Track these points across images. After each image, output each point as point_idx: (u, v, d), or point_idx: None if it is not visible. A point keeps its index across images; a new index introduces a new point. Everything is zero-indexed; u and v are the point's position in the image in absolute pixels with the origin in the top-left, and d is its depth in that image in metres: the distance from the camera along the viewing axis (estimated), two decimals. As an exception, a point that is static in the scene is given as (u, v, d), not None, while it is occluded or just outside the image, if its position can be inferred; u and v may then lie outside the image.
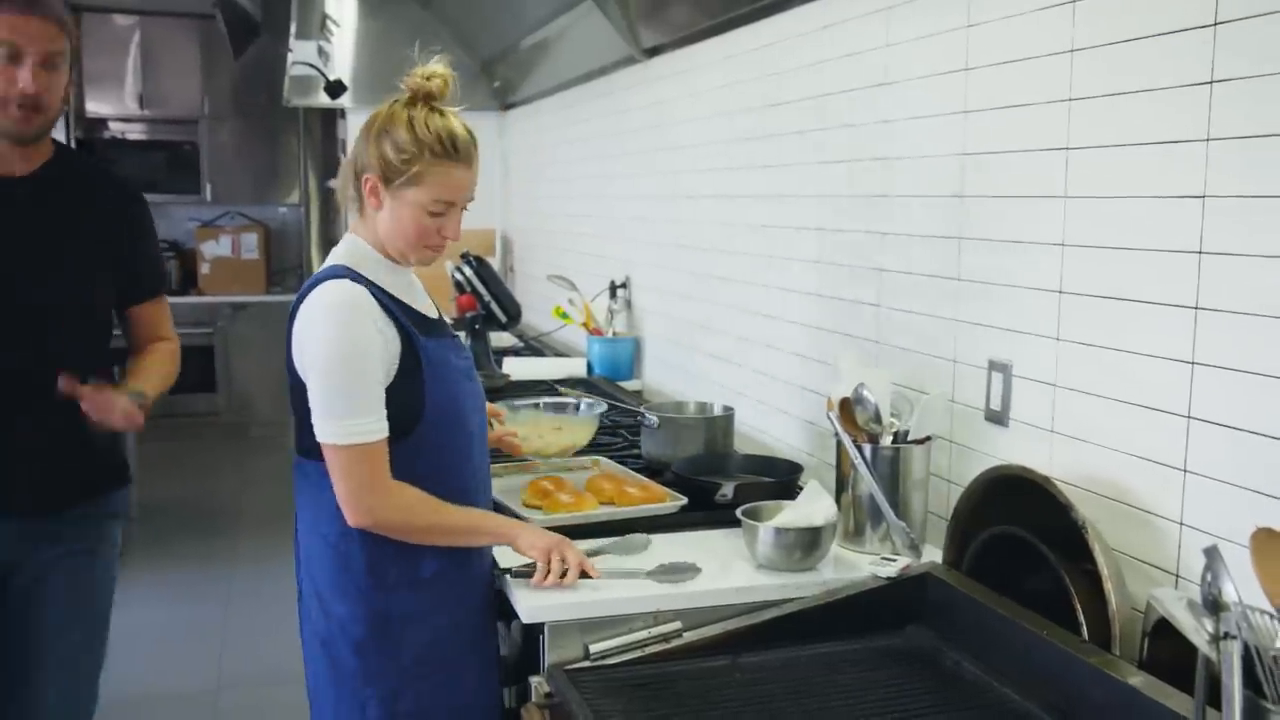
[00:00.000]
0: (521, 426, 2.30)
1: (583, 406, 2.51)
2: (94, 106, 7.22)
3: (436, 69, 1.76)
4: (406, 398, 1.72)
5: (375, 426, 1.68)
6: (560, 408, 2.50)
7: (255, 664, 3.77)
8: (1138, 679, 1.36)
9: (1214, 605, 0.97)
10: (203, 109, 7.43)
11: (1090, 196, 1.63)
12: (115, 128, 7.44)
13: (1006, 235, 1.82)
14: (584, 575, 1.75)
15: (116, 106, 7.29)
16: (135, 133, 7.48)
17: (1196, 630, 0.94)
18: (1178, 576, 1.48)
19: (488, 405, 2.05)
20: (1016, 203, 1.79)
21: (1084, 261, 1.65)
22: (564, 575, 1.73)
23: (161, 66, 7.29)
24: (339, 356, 1.67)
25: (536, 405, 2.48)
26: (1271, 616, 0.96)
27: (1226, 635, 0.93)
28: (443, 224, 1.76)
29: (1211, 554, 0.99)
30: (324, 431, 1.68)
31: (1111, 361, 1.60)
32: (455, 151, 1.74)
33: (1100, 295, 1.62)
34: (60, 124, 6.78)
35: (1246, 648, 0.94)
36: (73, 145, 6.85)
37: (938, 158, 1.99)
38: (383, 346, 1.69)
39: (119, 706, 2.70)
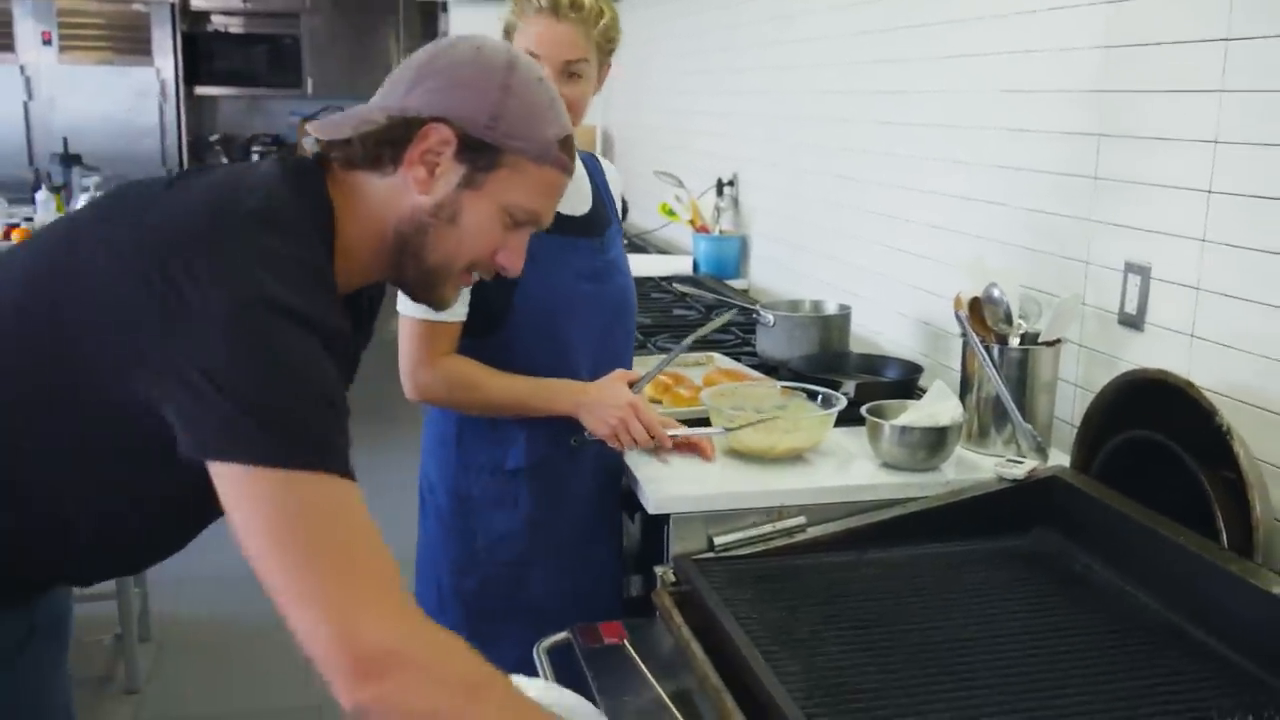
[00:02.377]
0: (749, 430, 1.86)
1: (821, 399, 1.96)
2: (199, 1, 7.28)
3: None
4: (491, 293, 1.72)
5: None
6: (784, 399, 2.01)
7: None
8: (1280, 587, 1.34)
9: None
10: (304, 2, 7.44)
11: (1249, 90, 1.56)
12: (218, 21, 7.51)
13: (1151, 132, 1.75)
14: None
15: (221, 0, 7.34)
16: (237, 26, 7.54)
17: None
18: (1325, 487, 1.44)
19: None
20: (1164, 97, 1.72)
21: (1237, 159, 1.58)
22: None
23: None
24: None
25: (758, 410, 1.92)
26: None
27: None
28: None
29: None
30: (401, 302, 1.70)
31: (1261, 264, 1.55)
32: (540, 4, 1.77)
33: (1252, 195, 1.55)
34: (165, 17, 6.88)
35: None
36: (179, 39, 6.95)
37: (1077, 50, 1.92)
38: None
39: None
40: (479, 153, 1.21)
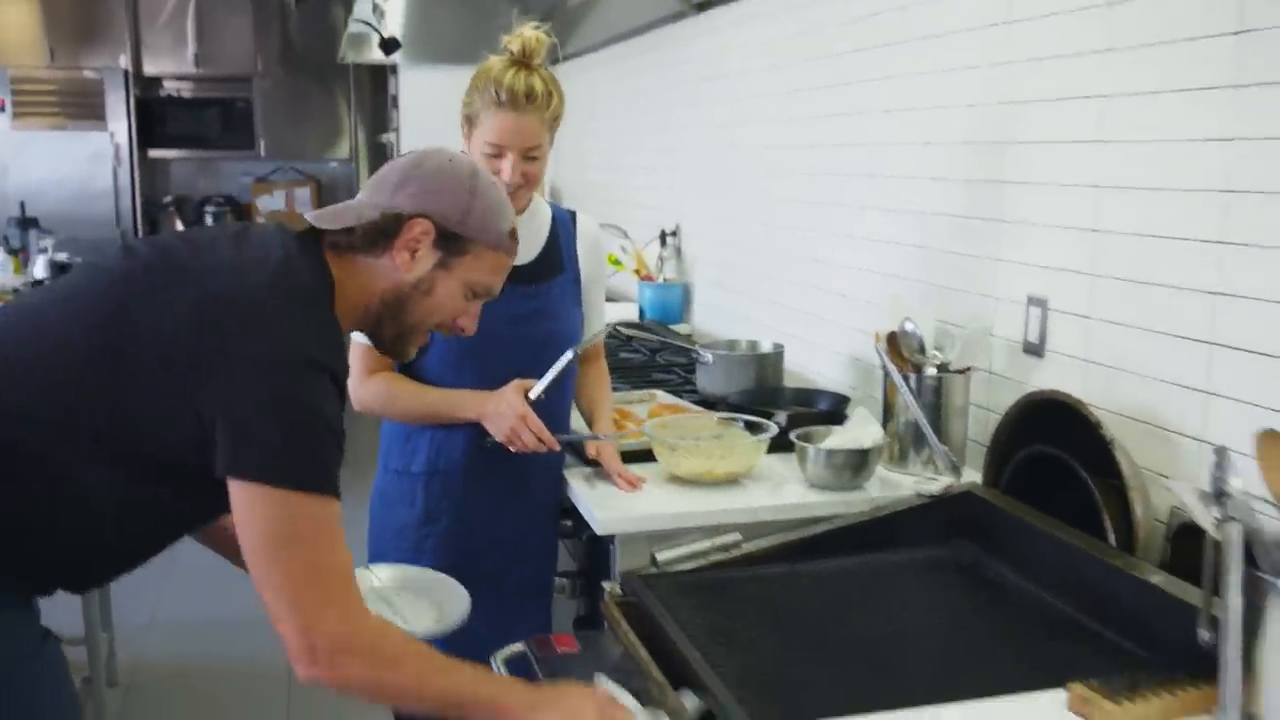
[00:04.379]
0: (688, 456, 2.03)
1: (749, 425, 2.13)
2: (151, 67, 7.42)
3: (523, 32, 1.98)
4: None
5: None
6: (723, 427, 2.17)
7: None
8: (1158, 577, 1.50)
9: (1220, 495, 1.11)
10: (256, 66, 7.61)
11: (1122, 141, 1.76)
12: (170, 86, 7.64)
13: (1044, 178, 1.95)
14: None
15: (173, 65, 7.48)
16: (189, 90, 7.67)
17: (1204, 515, 1.08)
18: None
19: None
20: (1055, 147, 1.92)
21: (1116, 201, 1.77)
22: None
23: (216, 26, 7.47)
24: None
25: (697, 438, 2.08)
26: (1272, 504, 1.10)
27: (1229, 519, 1.07)
28: (499, 165, 1.97)
29: (1220, 452, 1.13)
30: None
31: (1140, 293, 1.73)
32: (500, 99, 1.95)
33: (1130, 233, 1.75)
34: (119, 83, 7.00)
35: (1247, 531, 1.09)
36: (132, 104, 7.07)
37: (980, 106, 2.12)
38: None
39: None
40: (452, 241, 1.55)
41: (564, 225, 2.16)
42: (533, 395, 1.96)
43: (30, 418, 1.37)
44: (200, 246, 1.48)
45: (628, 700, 1.43)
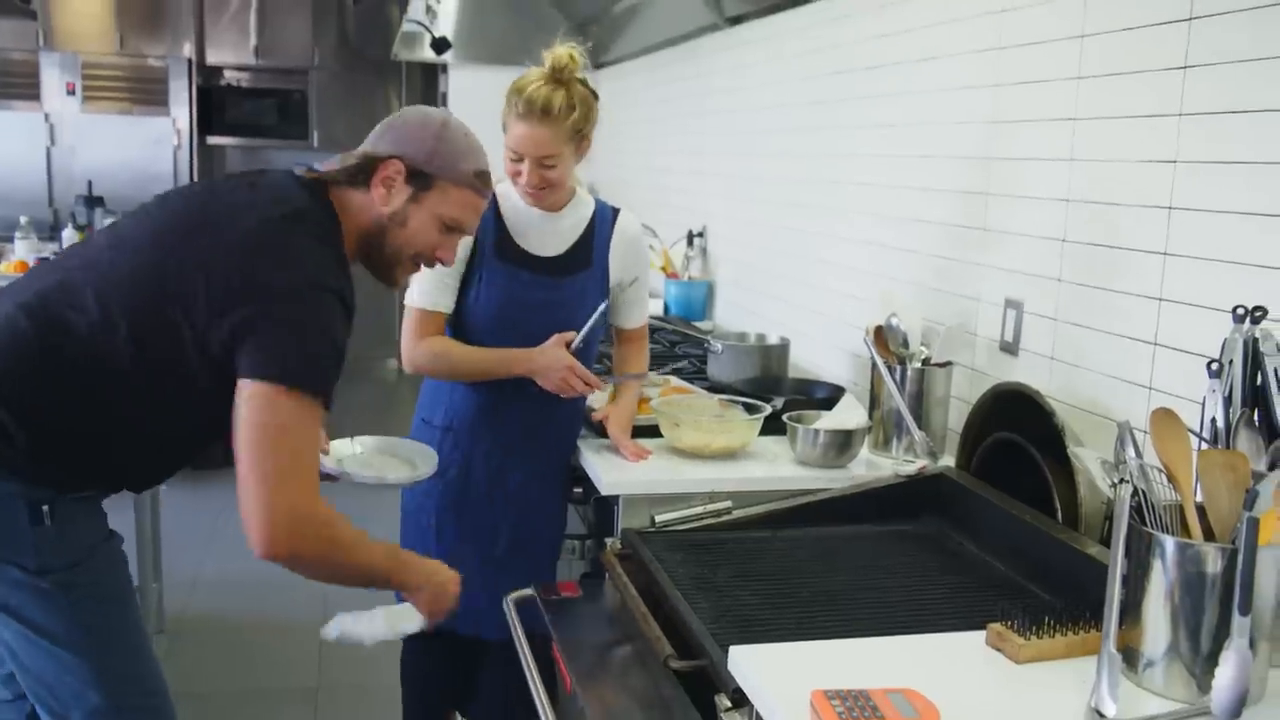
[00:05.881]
0: (686, 425, 2.25)
1: (748, 407, 2.36)
2: (213, 57, 7.73)
3: (555, 49, 2.20)
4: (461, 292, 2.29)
5: (422, 298, 2.26)
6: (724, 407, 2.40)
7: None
8: (1094, 549, 1.69)
9: (1119, 463, 1.30)
10: (313, 60, 7.90)
11: (1088, 160, 1.95)
12: (231, 76, 7.95)
13: (1023, 191, 2.14)
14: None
15: (234, 56, 7.79)
16: (249, 81, 7.98)
17: (1102, 479, 1.28)
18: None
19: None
20: (1032, 163, 2.11)
21: (1080, 214, 1.97)
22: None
23: (277, 20, 7.77)
24: None
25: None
26: (1159, 470, 1.29)
27: (1122, 481, 1.27)
28: (520, 168, 2.22)
29: (1122, 427, 1.33)
30: (407, 295, 2.27)
31: (1097, 298, 1.92)
32: (519, 111, 2.18)
33: (1090, 243, 1.94)
34: (182, 71, 7.30)
35: (1138, 493, 1.28)
36: (194, 92, 7.38)
37: (971, 124, 2.31)
38: (463, 248, 2.18)
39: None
40: (420, 179, 1.82)
41: (603, 223, 2.37)
42: (572, 346, 2.24)
43: (101, 330, 1.65)
44: (222, 192, 1.80)
45: (369, 623, 1.80)
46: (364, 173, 1.81)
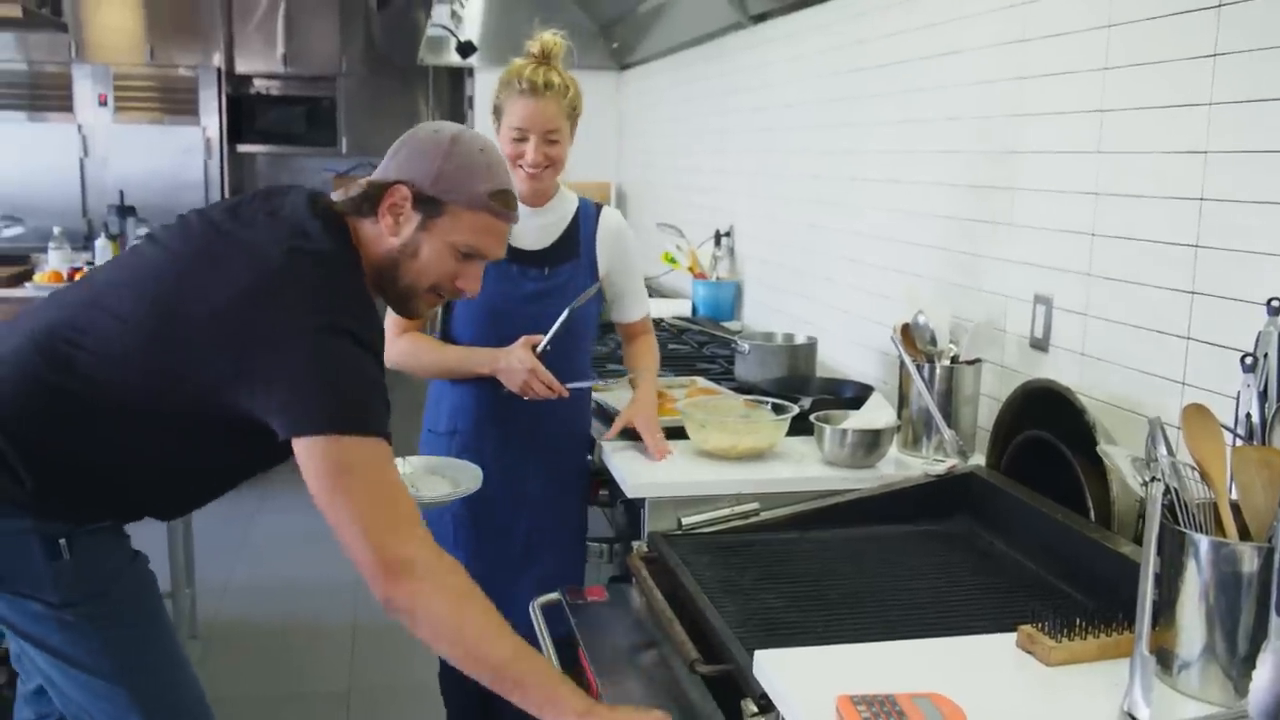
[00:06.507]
0: (712, 426, 2.22)
1: (775, 407, 2.32)
2: (242, 65, 7.79)
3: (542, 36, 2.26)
4: None
5: None
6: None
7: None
8: (1127, 548, 1.66)
9: (1151, 461, 1.28)
10: (340, 67, 7.94)
11: (1117, 152, 1.91)
12: (260, 84, 8.00)
13: (1049, 186, 2.11)
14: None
15: (263, 65, 7.84)
16: (278, 89, 8.03)
17: (1133, 477, 1.25)
18: (1173, 471, 1.77)
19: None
20: (1058, 157, 2.08)
21: (1110, 207, 1.93)
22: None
23: (304, 28, 7.82)
24: None
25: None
26: (1192, 468, 1.26)
27: (1153, 479, 1.24)
28: (524, 149, 2.24)
29: (1153, 423, 1.30)
30: None
31: (1128, 293, 1.89)
32: (522, 88, 2.22)
33: (1121, 237, 1.91)
34: (212, 80, 7.36)
35: (1170, 491, 1.25)
36: (223, 101, 7.44)
37: (995, 117, 2.28)
38: None
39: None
40: (428, 204, 1.67)
41: (587, 217, 2.41)
42: (538, 349, 2.21)
43: (108, 372, 1.60)
44: (241, 223, 1.67)
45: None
46: (369, 201, 1.68)
